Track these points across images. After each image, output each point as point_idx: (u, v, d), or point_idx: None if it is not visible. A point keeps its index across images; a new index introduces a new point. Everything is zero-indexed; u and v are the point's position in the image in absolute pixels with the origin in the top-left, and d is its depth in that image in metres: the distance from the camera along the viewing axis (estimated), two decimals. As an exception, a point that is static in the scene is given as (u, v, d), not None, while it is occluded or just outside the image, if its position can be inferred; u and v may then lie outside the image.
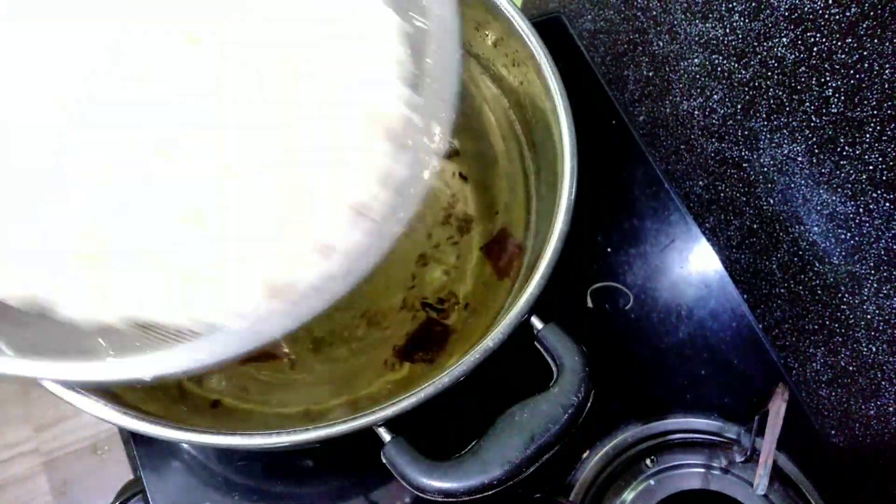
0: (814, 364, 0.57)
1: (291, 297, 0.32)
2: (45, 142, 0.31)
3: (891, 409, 0.50)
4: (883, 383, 0.50)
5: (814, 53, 0.45)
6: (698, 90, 0.58)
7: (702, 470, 0.50)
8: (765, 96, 0.51)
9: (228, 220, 0.32)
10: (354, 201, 0.33)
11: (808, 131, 0.49)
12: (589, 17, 0.69)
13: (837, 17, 0.43)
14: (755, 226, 0.58)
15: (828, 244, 0.51)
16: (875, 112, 0.43)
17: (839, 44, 0.43)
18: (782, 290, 0.58)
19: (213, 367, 0.30)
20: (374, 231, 0.33)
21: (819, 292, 0.53)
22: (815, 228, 0.52)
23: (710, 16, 0.53)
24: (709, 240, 0.62)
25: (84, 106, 0.31)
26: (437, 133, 0.33)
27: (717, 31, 0.53)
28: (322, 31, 0.34)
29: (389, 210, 0.34)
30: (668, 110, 0.63)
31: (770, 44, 0.49)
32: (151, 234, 0.31)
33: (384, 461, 0.39)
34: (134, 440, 0.50)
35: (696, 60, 0.57)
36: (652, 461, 0.51)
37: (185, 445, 0.50)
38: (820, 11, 0.43)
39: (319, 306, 0.30)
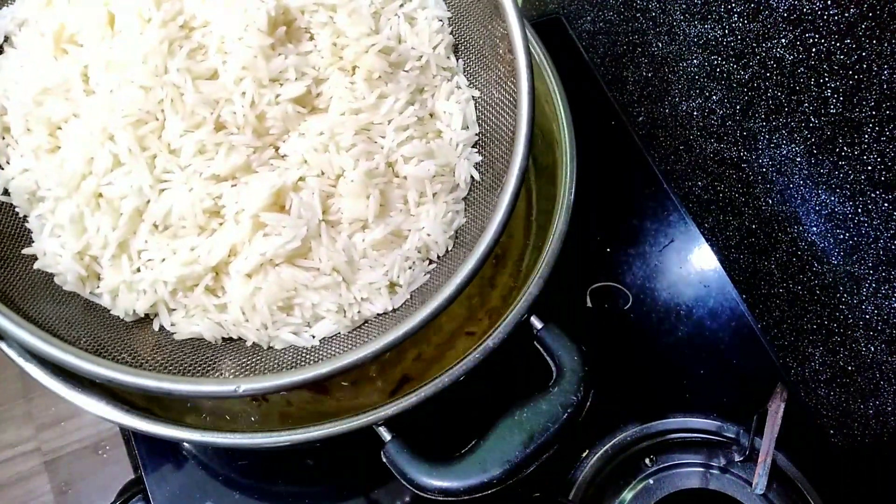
0: (812, 364, 0.57)
1: (358, 324, 0.38)
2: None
3: (889, 408, 0.50)
4: (881, 383, 0.50)
5: (812, 54, 0.46)
6: (697, 91, 0.58)
7: (701, 469, 0.51)
8: (763, 97, 0.51)
9: (327, 256, 0.37)
10: (422, 244, 0.39)
11: (806, 132, 0.49)
12: (588, 18, 0.70)
13: (836, 18, 0.43)
14: (754, 226, 0.58)
15: (826, 244, 0.51)
16: (874, 113, 0.43)
17: (838, 45, 0.43)
18: (781, 290, 0.58)
19: (292, 389, 0.34)
20: (435, 272, 0.39)
21: (818, 292, 0.54)
22: (814, 229, 0.52)
23: (710, 17, 0.53)
24: (708, 240, 0.62)
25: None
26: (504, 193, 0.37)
27: (716, 32, 0.53)
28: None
29: (450, 253, 0.40)
30: (667, 111, 0.63)
31: (769, 45, 0.49)
32: (262, 276, 0.36)
33: (384, 460, 0.39)
34: (135, 439, 0.50)
35: (695, 61, 0.57)
36: (651, 460, 0.51)
37: (186, 445, 0.50)
38: (819, 12, 0.44)
39: (384, 342, 0.34)
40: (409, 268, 0.39)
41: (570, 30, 0.72)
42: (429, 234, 0.39)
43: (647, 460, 0.51)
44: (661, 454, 0.51)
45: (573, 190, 0.45)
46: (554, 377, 0.41)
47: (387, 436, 0.39)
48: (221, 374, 0.36)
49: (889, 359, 0.49)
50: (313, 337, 0.38)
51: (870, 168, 0.45)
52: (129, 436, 0.51)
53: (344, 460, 0.51)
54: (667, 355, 0.57)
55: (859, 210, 0.47)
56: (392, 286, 0.39)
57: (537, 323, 0.42)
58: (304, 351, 0.38)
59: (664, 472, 0.50)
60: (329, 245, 0.37)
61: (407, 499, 0.49)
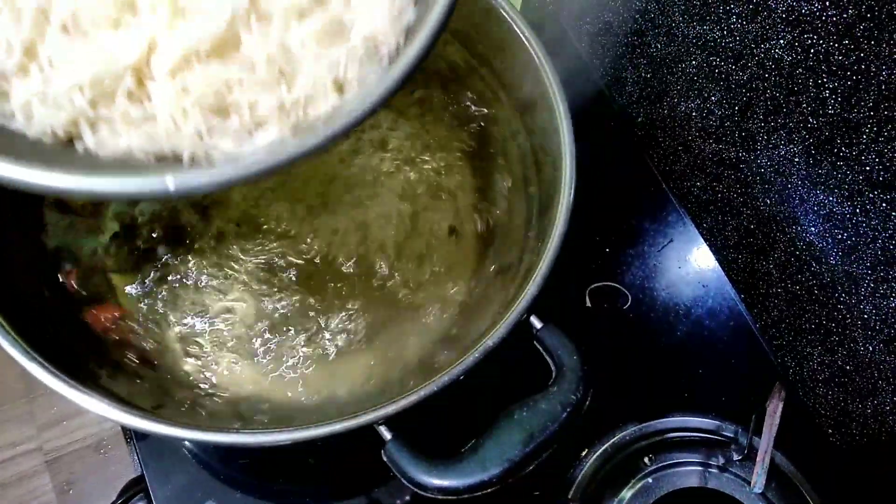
0: (811, 363, 0.57)
1: (306, 126, 0.33)
2: None
3: (887, 407, 0.51)
4: (880, 382, 0.51)
5: (811, 55, 0.46)
6: (696, 91, 0.58)
7: (699, 468, 0.51)
8: (762, 98, 0.52)
9: (260, 48, 0.33)
10: (369, 35, 0.34)
11: (805, 132, 0.49)
12: (588, 19, 0.70)
13: (835, 18, 0.43)
14: (752, 226, 0.59)
15: (825, 244, 0.51)
16: (872, 113, 0.43)
17: (836, 45, 0.44)
18: (779, 290, 0.58)
19: (231, 185, 0.30)
20: (385, 70, 0.35)
21: (816, 292, 0.54)
22: (812, 229, 0.52)
23: (708, 18, 0.53)
24: (706, 240, 0.62)
25: None
26: None
27: (715, 32, 0.53)
28: None
29: (399, 49, 0.35)
30: (665, 112, 0.63)
31: (767, 45, 0.49)
32: (189, 73, 0.33)
33: (385, 459, 0.39)
34: (136, 438, 0.51)
35: (693, 62, 0.57)
36: (650, 459, 0.51)
37: (187, 444, 0.51)
38: (817, 13, 0.44)
39: (330, 134, 0.31)
40: (358, 63, 0.35)
41: (569, 31, 0.72)
42: (376, 26, 0.35)
43: (646, 459, 0.51)
44: (660, 453, 0.51)
45: (572, 190, 0.46)
46: (553, 377, 0.41)
47: (387, 435, 0.39)
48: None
49: (887, 358, 0.49)
50: (257, 145, 0.34)
51: (868, 168, 0.45)
52: (131, 435, 0.51)
53: (345, 459, 0.51)
54: (665, 355, 0.57)
55: (857, 210, 0.47)
56: (339, 86, 0.35)
57: (537, 323, 0.42)
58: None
59: (663, 470, 0.51)
60: (261, 35, 0.33)
61: (407, 497, 0.50)
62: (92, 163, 0.33)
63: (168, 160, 0.33)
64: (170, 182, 0.29)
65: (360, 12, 0.35)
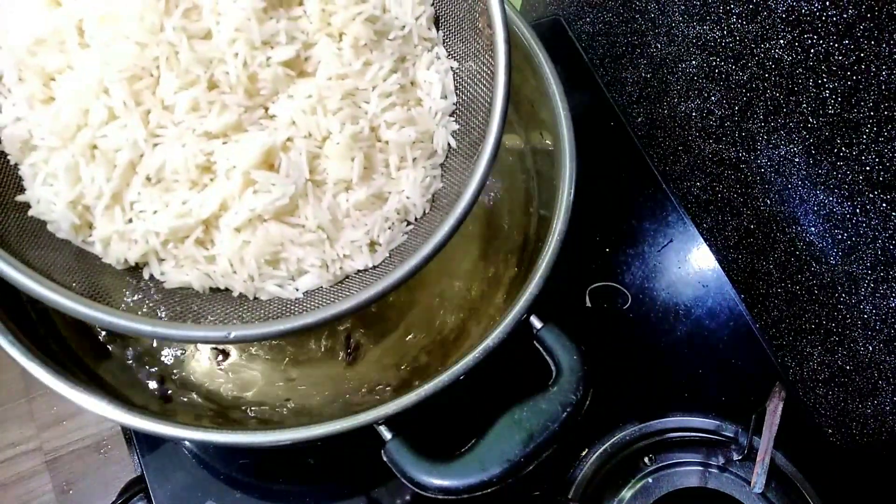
0: (811, 363, 0.57)
1: (340, 279, 0.40)
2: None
3: (887, 407, 0.51)
4: (880, 382, 0.51)
5: (811, 55, 0.46)
6: (696, 92, 0.58)
7: (699, 468, 0.51)
8: (762, 98, 0.52)
9: (312, 215, 0.39)
10: (401, 207, 0.41)
11: (805, 132, 0.49)
12: (588, 19, 0.70)
13: (835, 18, 0.43)
14: (752, 226, 0.59)
15: (825, 244, 0.52)
16: (872, 113, 0.43)
17: (836, 45, 0.44)
18: (779, 290, 0.58)
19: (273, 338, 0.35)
20: (413, 233, 0.41)
21: (816, 292, 0.54)
22: (812, 229, 0.52)
23: (708, 18, 0.53)
24: (706, 240, 0.62)
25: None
26: (482, 160, 0.38)
27: (715, 33, 0.53)
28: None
29: (427, 215, 0.41)
30: (665, 112, 0.63)
31: (767, 45, 0.49)
32: (250, 225, 0.38)
33: (385, 459, 0.39)
34: (136, 438, 0.51)
35: (693, 62, 0.57)
36: (650, 459, 0.51)
37: (187, 444, 0.51)
38: (817, 13, 0.44)
39: (366, 296, 0.36)
40: (389, 228, 0.41)
41: (569, 31, 0.72)
42: (408, 197, 0.41)
43: (645, 459, 0.51)
44: (660, 453, 0.51)
45: (573, 190, 0.46)
46: (553, 376, 0.41)
47: (387, 435, 0.39)
48: (210, 321, 0.37)
49: (887, 358, 0.49)
50: (297, 290, 0.39)
51: (868, 168, 0.45)
52: (131, 435, 0.51)
53: (345, 459, 0.51)
54: (665, 355, 0.57)
55: (857, 210, 0.47)
56: (372, 245, 0.40)
57: (537, 322, 0.42)
58: (289, 302, 0.39)
59: (663, 470, 0.51)
60: (315, 204, 0.38)
61: (407, 497, 0.50)
62: (156, 288, 0.38)
63: (219, 292, 0.39)
64: (231, 333, 0.35)
65: (397, 184, 0.41)
